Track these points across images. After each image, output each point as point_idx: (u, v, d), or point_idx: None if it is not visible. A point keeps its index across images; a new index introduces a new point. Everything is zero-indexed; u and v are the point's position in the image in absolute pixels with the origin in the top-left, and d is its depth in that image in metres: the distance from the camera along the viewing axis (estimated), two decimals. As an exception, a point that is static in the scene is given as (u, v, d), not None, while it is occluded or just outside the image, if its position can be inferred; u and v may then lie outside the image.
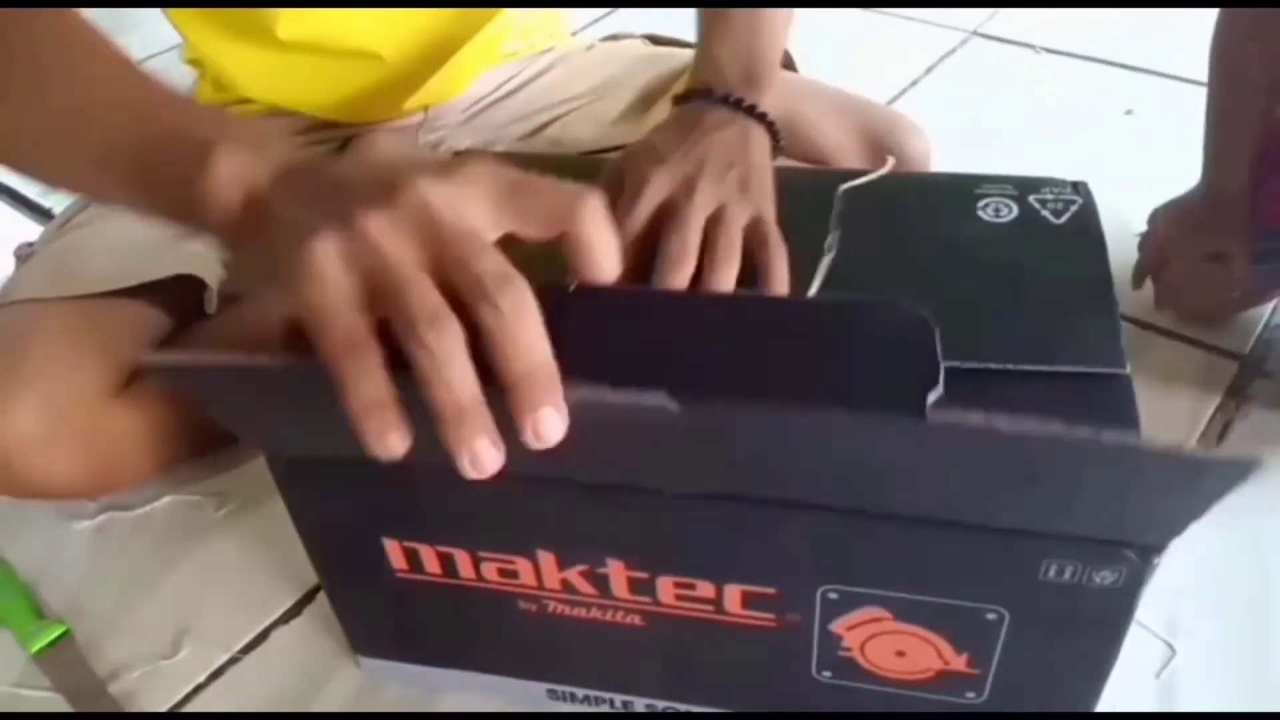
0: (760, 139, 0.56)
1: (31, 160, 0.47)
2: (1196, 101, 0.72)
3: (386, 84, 0.77)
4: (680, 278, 0.49)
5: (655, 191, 0.52)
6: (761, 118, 0.57)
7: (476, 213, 0.35)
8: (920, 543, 0.42)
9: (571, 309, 0.35)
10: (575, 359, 0.35)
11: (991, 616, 0.44)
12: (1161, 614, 0.58)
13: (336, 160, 0.38)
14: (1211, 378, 0.73)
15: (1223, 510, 0.64)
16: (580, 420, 0.35)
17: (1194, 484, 0.35)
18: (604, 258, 0.37)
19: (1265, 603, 0.59)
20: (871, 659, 0.47)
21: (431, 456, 0.44)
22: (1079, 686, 0.46)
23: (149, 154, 0.41)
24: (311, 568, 0.53)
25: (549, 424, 0.33)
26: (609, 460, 0.41)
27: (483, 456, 0.34)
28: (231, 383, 0.40)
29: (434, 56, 0.78)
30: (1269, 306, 0.77)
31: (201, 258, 0.69)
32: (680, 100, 0.59)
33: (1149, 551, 0.40)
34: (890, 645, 0.46)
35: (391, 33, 0.75)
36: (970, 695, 0.47)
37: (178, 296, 0.68)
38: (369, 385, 0.34)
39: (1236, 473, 0.33)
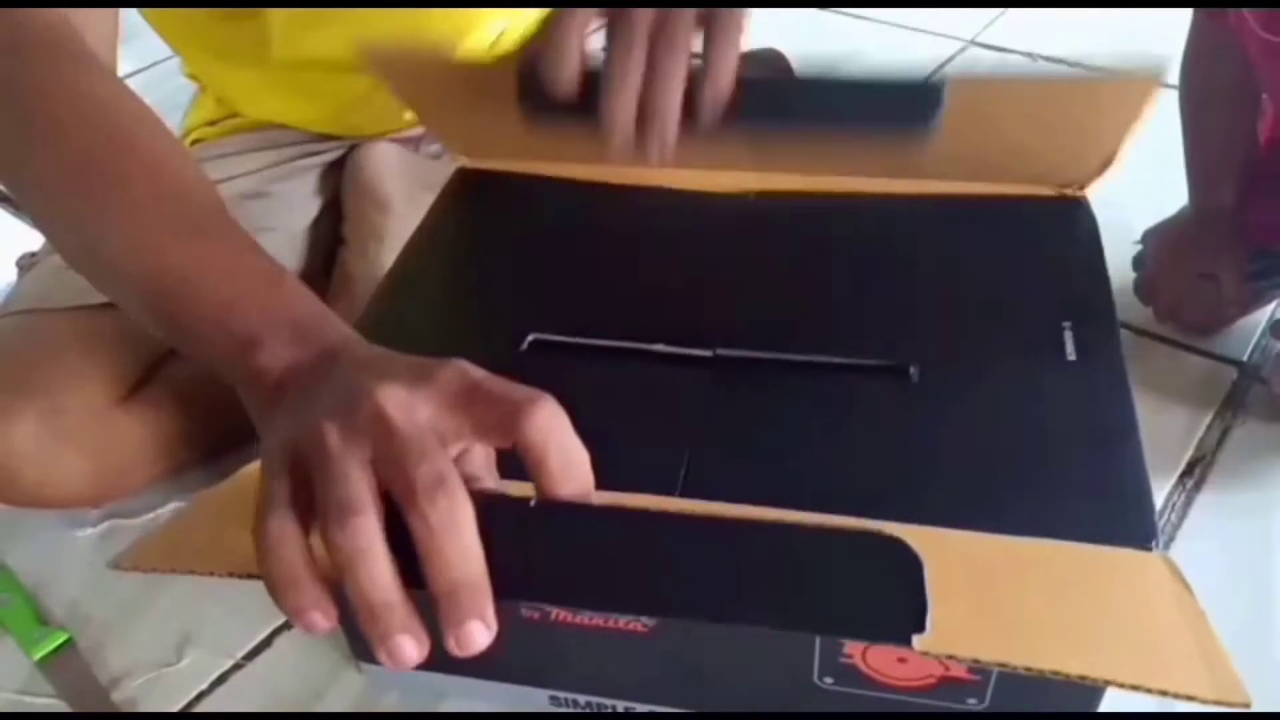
0: None
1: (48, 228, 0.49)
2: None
3: (383, 96, 0.78)
4: (622, 103, 0.44)
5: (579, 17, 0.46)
6: None
7: (430, 419, 0.35)
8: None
9: (529, 524, 0.35)
10: (522, 576, 0.35)
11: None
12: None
13: (358, 352, 0.39)
14: (1210, 385, 0.73)
15: (1221, 512, 0.64)
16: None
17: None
18: (559, 469, 0.35)
19: (1263, 604, 0.59)
20: (873, 666, 0.47)
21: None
22: (1078, 691, 0.47)
23: (189, 327, 0.43)
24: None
25: (472, 638, 0.33)
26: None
27: (397, 652, 0.34)
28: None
29: None
30: (1266, 311, 0.77)
31: None
32: None
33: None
34: (892, 652, 0.47)
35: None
36: (971, 701, 0.48)
37: None
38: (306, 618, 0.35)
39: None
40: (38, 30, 0.50)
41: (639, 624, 0.49)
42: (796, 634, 0.46)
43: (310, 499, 0.34)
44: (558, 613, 0.49)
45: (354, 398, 0.35)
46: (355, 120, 0.80)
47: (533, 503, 0.35)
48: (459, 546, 0.33)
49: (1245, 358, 0.75)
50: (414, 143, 0.82)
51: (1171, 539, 0.63)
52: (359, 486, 0.33)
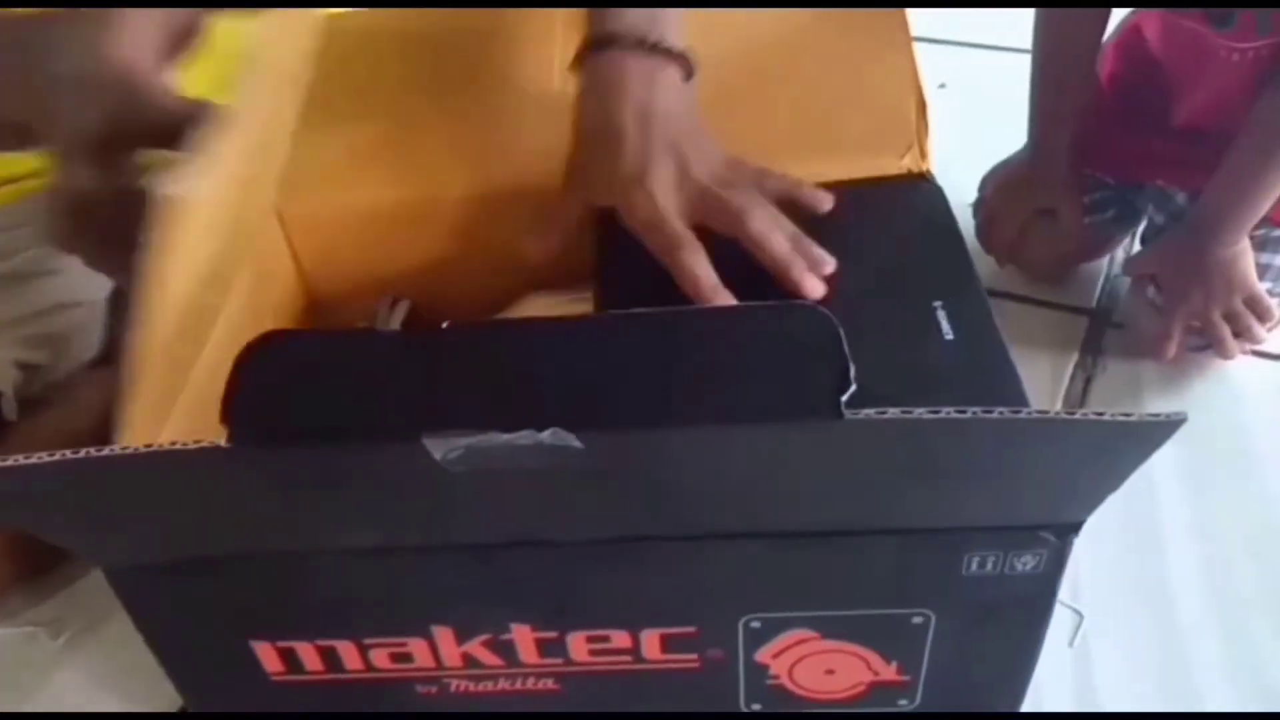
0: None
1: None
2: (1005, 67, 0.73)
3: None
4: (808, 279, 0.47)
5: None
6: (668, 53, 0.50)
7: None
8: (839, 556, 0.40)
9: (444, 347, 0.33)
10: (452, 402, 0.32)
11: (918, 620, 0.42)
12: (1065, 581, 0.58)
13: None
14: (1065, 336, 0.74)
15: None
16: (469, 471, 0.32)
17: (1119, 449, 0.34)
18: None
19: (1156, 554, 0.60)
20: (801, 683, 0.45)
21: (299, 544, 0.40)
22: (1008, 676, 0.45)
23: None
24: (174, 688, 0.47)
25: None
26: (503, 513, 0.38)
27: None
28: (59, 484, 0.34)
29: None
30: (1107, 258, 0.79)
31: None
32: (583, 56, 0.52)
33: (1066, 531, 0.39)
34: (819, 666, 0.44)
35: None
36: (902, 703, 0.46)
37: None
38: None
39: (1164, 431, 0.32)
40: None
41: (549, 682, 0.45)
42: (716, 655, 0.43)
43: None
44: (459, 684, 0.45)
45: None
46: None
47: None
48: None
49: (1094, 304, 0.77)
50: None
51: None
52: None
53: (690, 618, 0.42)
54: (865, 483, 0.36)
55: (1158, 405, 0.69)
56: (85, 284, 0.70)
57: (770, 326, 0.34)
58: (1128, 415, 0.32)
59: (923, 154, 0.56)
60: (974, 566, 0.40)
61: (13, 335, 0.65)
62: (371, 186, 0.57)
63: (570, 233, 0.52)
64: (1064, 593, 0.57)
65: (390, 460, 0.34)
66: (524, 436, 0.32)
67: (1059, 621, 0.57)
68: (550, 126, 0.51)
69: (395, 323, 0.58)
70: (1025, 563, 0.40)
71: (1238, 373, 0.70)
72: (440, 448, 0.32)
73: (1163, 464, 0.57)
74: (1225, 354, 0.68)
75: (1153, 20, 0.72)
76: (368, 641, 0.43)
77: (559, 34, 0.61)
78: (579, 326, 0.36)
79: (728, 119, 0.52)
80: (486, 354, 0.35)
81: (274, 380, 0.35)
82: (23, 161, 0.73)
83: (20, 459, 0.32)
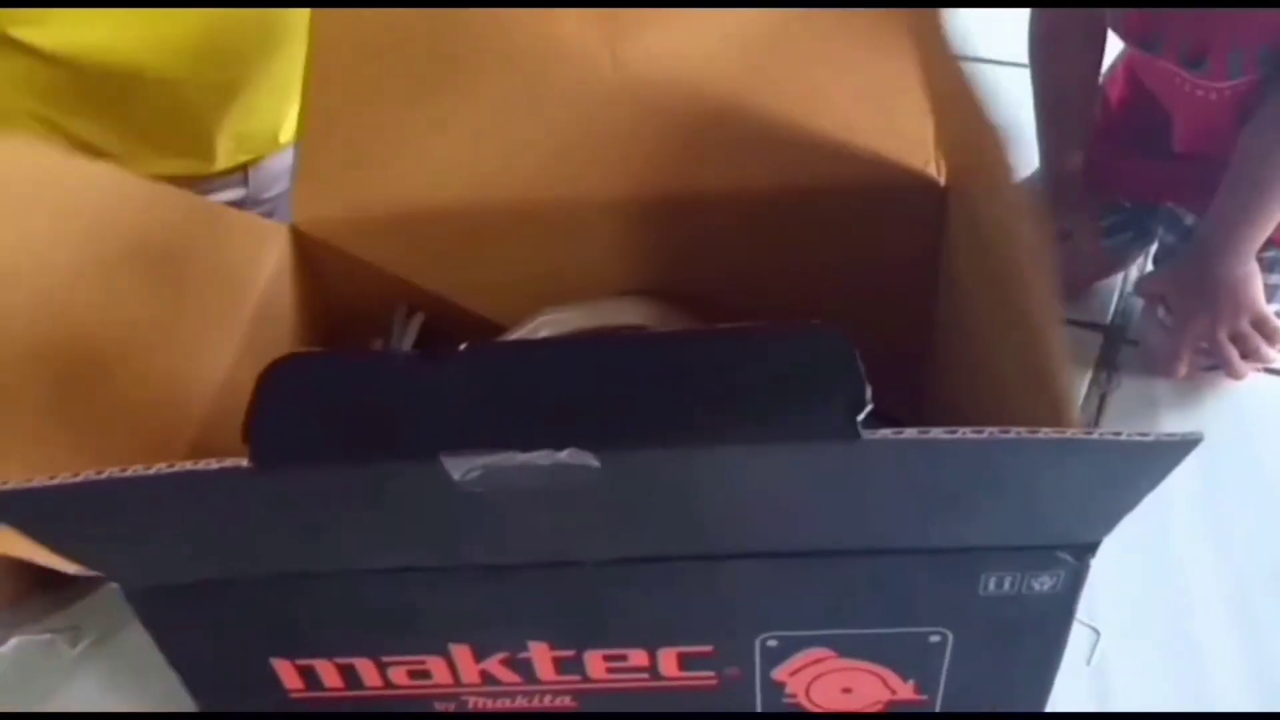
0: None
1: None
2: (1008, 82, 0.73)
3: (169, 118, 0.69)
4: None
5: None
6: None
7: None
8: (857, 575, 0.40)
9: (462, 368, 0.33)
10: (470, 422, 0.32)
11: (935, 639, 0.42)
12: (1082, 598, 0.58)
13: None
14: (1080, 352, 0.74)
15: None
16: (488, 491, 0.32)
17: (1136, 469, 0.34)
18: None
19: (1174, 572, 0.60)
20: (818, 701, 0.45)
21: (319, 565, 0.40)
22: (1026, 694, 0.45)
23: None
24: (191, 700, 0.47)
25: None
26: (521, 533, 0.38)
27: None
28: (79, 505, 0.35)
29: (220, 83, 0.68)
30: (1119, 276, 0.79)
31: None
32: None
33: (1083, 551, 0.39)
34: (836, 684, 0.44)
35: (156, 43, 0.64)
36: None
37: None
38: None
39: (1180, 451, 0.32)
40: None
41: (566, 699, 0.45)
42: (733, 673, 0.43)
43: None
44: (477, 701, 0.45)
45: None
46: (147, 149, 0.70)
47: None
48: None
49: (1108, 321, 0.77)
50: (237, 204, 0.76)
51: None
52: None
53: (707, 636, 0.42)
54: (882, 503, 0.36)
55: (1173, 421, 0.69)
56: None
57: (787, 346, 0.34)
58: (1144, 435, 0.32)
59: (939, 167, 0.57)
60: (991, 586, 0.40)
61: None
62: (386, 197, 0.57)
63: None
64: (1081, 610, 0.57)
65: (410, 480, 0.34)
66: (542, 456, 0.32)
67: (1076, 638, 0.56)
68: (572, 138, 0.52)
69: (410, 334, 0.58)
70: (1043, 583, 0.40)
71: (1253, 388, 0.70)
72: (459, 467, 0.32)
73: (1179, 480, 0.57)
74: (1234, 375, 0.68)
75: (1135, 56, 0.73)
76: (386, 660, 0.43)
77: (579, 40, 0.60)
78: (596, 347, 0.37)
79: (739, 121, 0.52)
80: (504, 374, 0.35)
81: (295, 401, 0.35)
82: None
83: (41, 480, 0.33)
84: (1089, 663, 0.56)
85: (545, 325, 0.56)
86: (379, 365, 0.37)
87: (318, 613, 0.42)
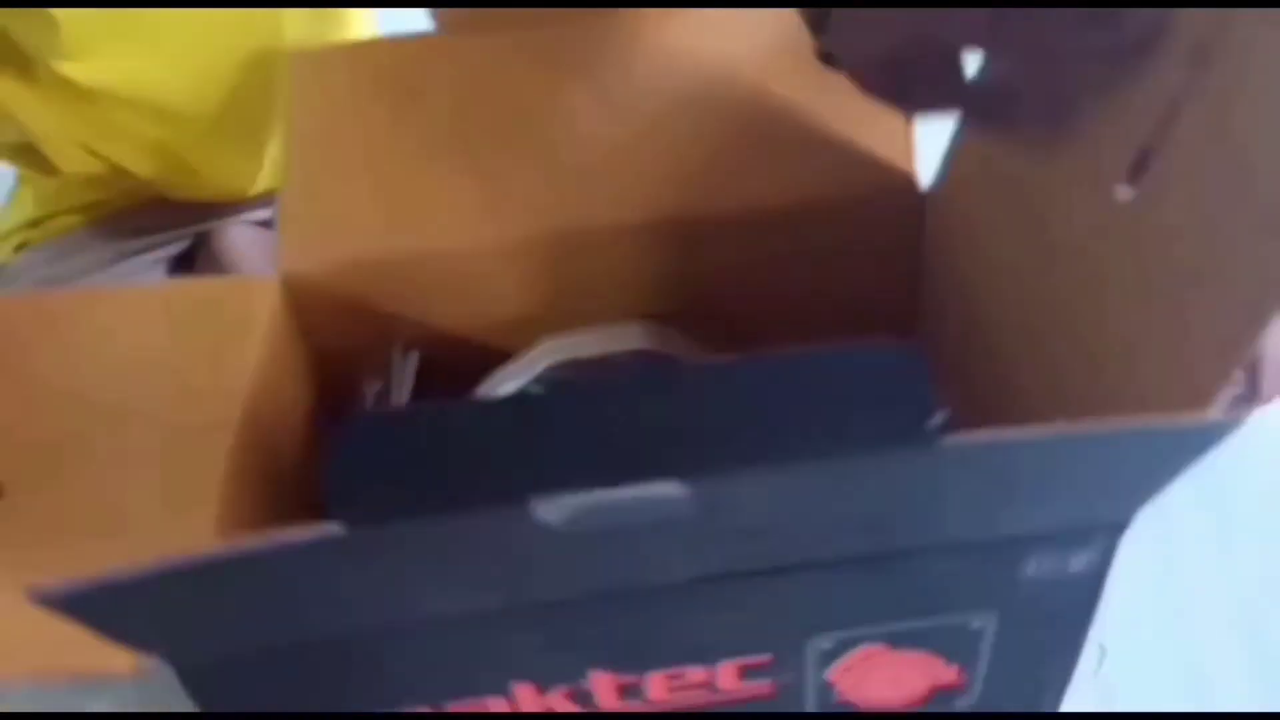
0: None
1: None
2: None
3: (206, 147, 0.70)
4: None
5: None
6: None
7: None
8: (914, 572, 0.41)
9: (532, 410, 0.33)
10: (550, 462, 0.33)
11: (978, 624, 0.44)
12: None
13: None
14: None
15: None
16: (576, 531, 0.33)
17: (1184, 450, 0.36)
18: None
19: (1179, 590, 0.61)
20: (867, 695, 0.47)
21: (382, 619, 0.40)
22: (1057, 670, 0.48)
23: None
24: None
25: None
26: (587, 567, 0.38)
27: None
28: (154, 591, 0.34)
29: (254, 112, 0.70)
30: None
31: None
32: None
33: (1116, 529, 0.41)
34: (884, 677, 0.46)
35: (193, 74, 0.67)
36: (961, 703, 0.48)
37: None
38: None
39: (1218, 433, 0.35)
40: None
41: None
42: (788, 679, 0.44)
43: None
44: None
45: None
46: (184, 182, 0.71)
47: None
48: None
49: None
50: (266, 224, 0.75)
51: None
52: None
53: (765, 645, 0.43)
54: (951, 503, 0.38)
55: None
56: None
57: (857, 362, 0.36)
58: (1201, 419, 0.34)
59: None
60: (1033, 569, 0.42)
61: None
62: (375, 237, 0.57)
63: None
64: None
65: (492, 525, 0.34)
66: (633, 490, 0.33)
67: (1084, 652, 0.58)
68: (559, 174, 0.52)
69: (409, 374, 0.58)
70: (1079, 562, 0.42)
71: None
72: (549, 511, 0.33)
73: (1189, 499, 0.59)
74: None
75: None
76: (449, 707, 0.43)
77: (567, 77, 0.61)
78: (662, 377, 0.37)
79: (723, 139, 0.53)
80: (576, 412, 0.35)
81: (368, 460, 0.35)
82: (81, 195, 0.73)
83: (125, 572, 0.32)
84: (1096, 675, 0.57)
85: (544, 355, 0.57)
86: (446, 416, 0.37)
87: (379, 668, 0.42)
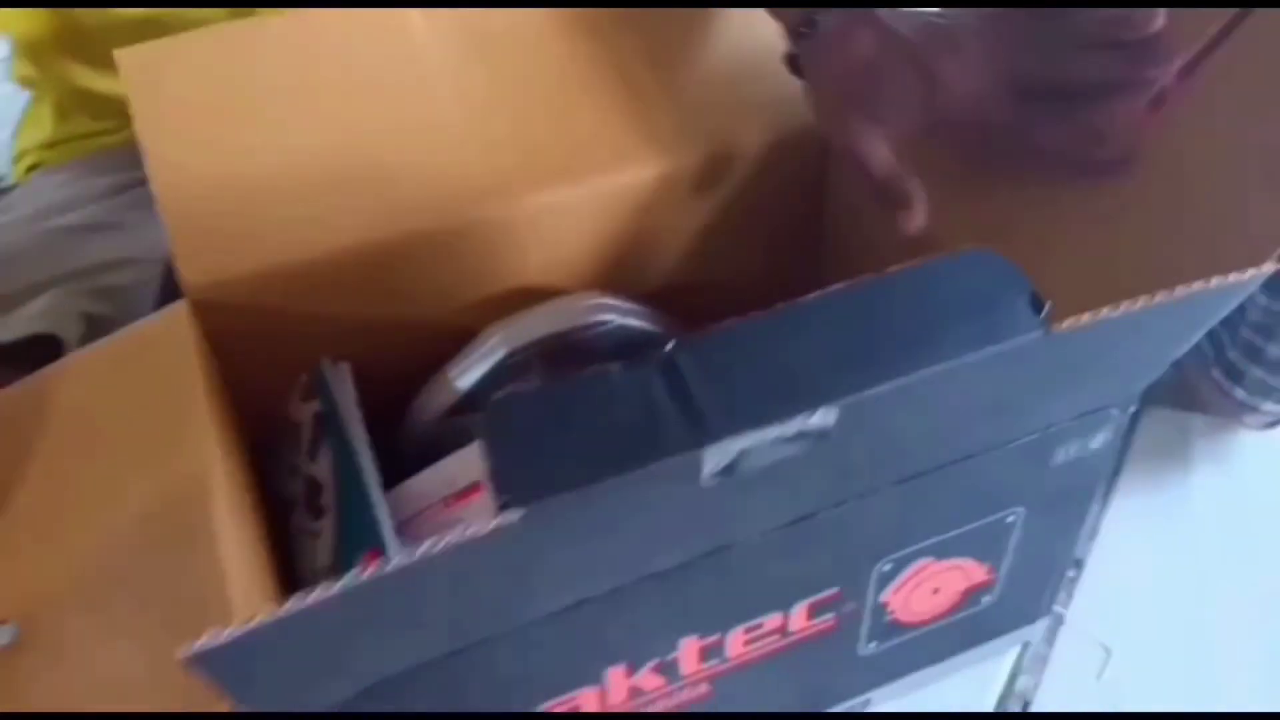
0: None
1: None
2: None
3: None
4: None
5: None
6: None
7: None
8: (963, 480, 0.42)
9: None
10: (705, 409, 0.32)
11: (1011, 519, 0.46)
12: (1094, 616, 0.59)
13: None
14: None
15: (1142, 513, 0.62)
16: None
17: (1199, 319, 0.40)
18: None
19: (1190, 598, 0.60)
20: (912, 611, 0.48)
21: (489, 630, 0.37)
22: (1066, 547, 0.51)
23: None
24: None
25: None
26: (692, 528, 0.37)
27: None
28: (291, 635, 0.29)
29: None
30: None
31: (56, 312, 0.60)
32: None
33: (1129, 403, 0.45)
34: (928, 589, 0.47)
35: None
36: (986, 600, 0.50)
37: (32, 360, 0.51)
38: None
39: (1241, 290, 0.38)
40: None
41: (703, 688, 0.44)
42: (850, 608, 0.45)
43: None
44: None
45: None
46: None
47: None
48: None
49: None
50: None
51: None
52: None
53: (835, 579, 0.44)
54: (1016, 399, 0.39)
55: (1202, 446, 0.67)
56: (144, 241, 0.67)
57: (952, 272, 0.36)
58: (1226, 277, 0.36)
59: None
60: (1059, 457, 0.45)
61: (80, 286, 0.64)
62: (273, 244, 0.52)
63: None
64: (1092, 626, 0.59)
65: (665, 480, 0.32)
66: (794, 424, 0.32)
67: (1087, 655, 0.58)
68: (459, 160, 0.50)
69: (346, 384, 0.53)
70: (1098, 440, 0.45)
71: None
72: (716, 455, 0.31)
73: (1204, 505, 0.61)
74: None
75: None
76: (541, 709, 0.40)
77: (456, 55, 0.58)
78: (761, 322, 0.36)
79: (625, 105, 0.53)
80: (711, 363, 0.34)
81: (525, 443, 0.32)
82: (94, 124, 0.72)
83: (304, 600, 0.27)
84: (1099, 678, 0.57)
85: (500, 342, 0.53)
86: (582, 388, 0.34)
87: (477, 682, 0.38)
